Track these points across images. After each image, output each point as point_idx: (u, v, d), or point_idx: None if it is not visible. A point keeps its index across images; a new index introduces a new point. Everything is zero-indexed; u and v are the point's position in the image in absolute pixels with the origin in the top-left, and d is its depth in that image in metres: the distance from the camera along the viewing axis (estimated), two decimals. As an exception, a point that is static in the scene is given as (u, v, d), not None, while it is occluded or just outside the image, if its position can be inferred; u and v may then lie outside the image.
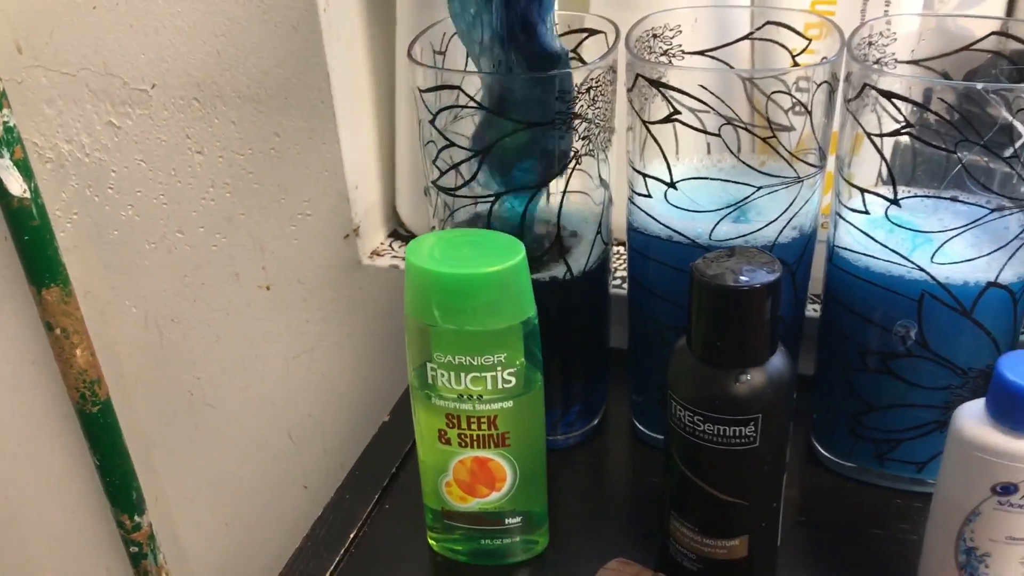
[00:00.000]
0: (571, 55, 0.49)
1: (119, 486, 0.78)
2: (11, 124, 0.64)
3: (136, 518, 0.79)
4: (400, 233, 0.66)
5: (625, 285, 0.57)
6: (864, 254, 0.44)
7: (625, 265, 0.59)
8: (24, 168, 0.65)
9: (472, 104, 0.43)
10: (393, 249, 0.65)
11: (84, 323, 0.72)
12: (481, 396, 0.41)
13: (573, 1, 0.59)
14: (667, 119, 0.43)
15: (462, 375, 0.40)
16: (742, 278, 0.36)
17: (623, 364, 0.53)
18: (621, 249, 0.60)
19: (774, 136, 0.42)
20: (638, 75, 0.43)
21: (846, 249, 0.45)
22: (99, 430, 0.75)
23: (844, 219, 0.45)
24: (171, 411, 0.77)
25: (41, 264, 0.68)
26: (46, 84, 0.64)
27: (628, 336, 0.52)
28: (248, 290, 0.68)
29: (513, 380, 0.41)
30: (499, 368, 0.40)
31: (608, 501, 0.51)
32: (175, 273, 0.69)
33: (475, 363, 0.40)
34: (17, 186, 0.65)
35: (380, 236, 0.65)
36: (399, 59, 0.60)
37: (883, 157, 0.42)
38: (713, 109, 0.42)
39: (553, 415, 0.51)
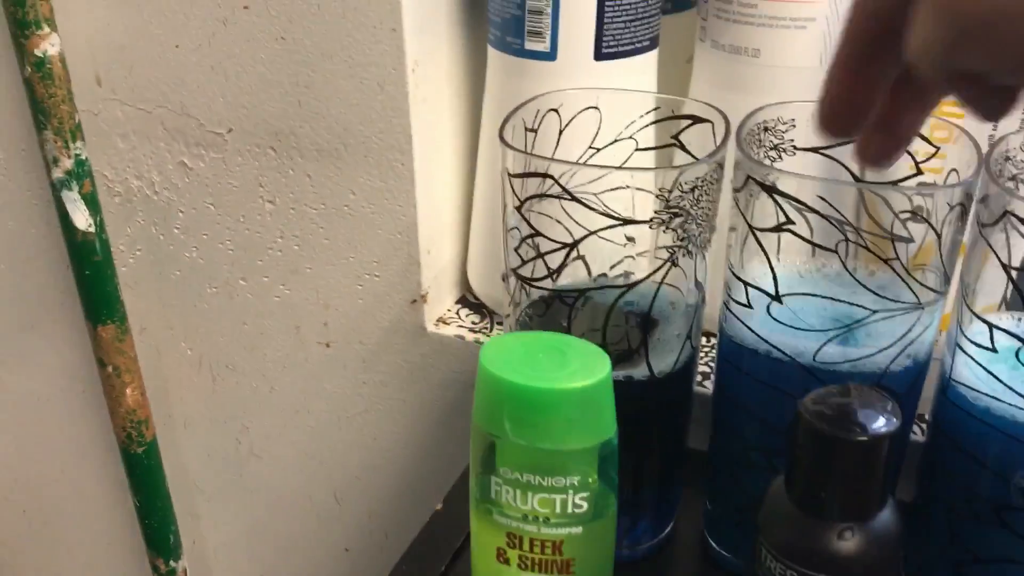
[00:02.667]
0: (673, 143, 0.46)
1: (157, 529, 0.76)
2: (83, 157, 0.62)
3: (171, 563, 0.77)
4: (468, 301, 0.63)
5: (707, 383, 0.54)
6: (986, 394, 0.39)
7: (708, 360, 0.56)
8: (92, 202, 0.63)
9: (565, 196, 0.40)
10: (460, 317, 0.61)
11: (137, 362, 0.70)
12: (548, 519, 0.37)
13: (671, 83, 0.56)
14: (778, 228, 0.39)
15: (529, 494, 0.37)
16: (857, 425, 0.32)
17: (699, 466, 0.49)
18: (707, 342, 0.56)
19: (897, 258, 0.38)
20: (749, 176, 0.39)
21: (964, 385, 0.40)
22: (142, 471, 0.73)
23: (964, 351, 0.40)
24: (217, 457, 0.74)
25: (99, 300, 0.66)
26: (121, 118, 0.62)
27: (709, 446, 0.48)
28: (307, 345, 0.65)
29: (585, 505, 0.37)
30: (570, 491, 0.36)
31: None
32: (234, 319, 0.67)
33: (545, 483, 0.36)
34: (83, 220, 0.63)
35: (448, 303, 0.62)
36: (484, 126, 0.57)
37: (1019, 290, 0.38)
38: (830, 220, 0.38)
39: (620, 525, 0.47)
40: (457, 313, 0.62)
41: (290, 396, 0.68)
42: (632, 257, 0.43)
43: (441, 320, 0.61)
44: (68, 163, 0.61)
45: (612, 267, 0.44)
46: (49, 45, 0.59)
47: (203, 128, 0.60)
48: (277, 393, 0.69)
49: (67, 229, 0.64)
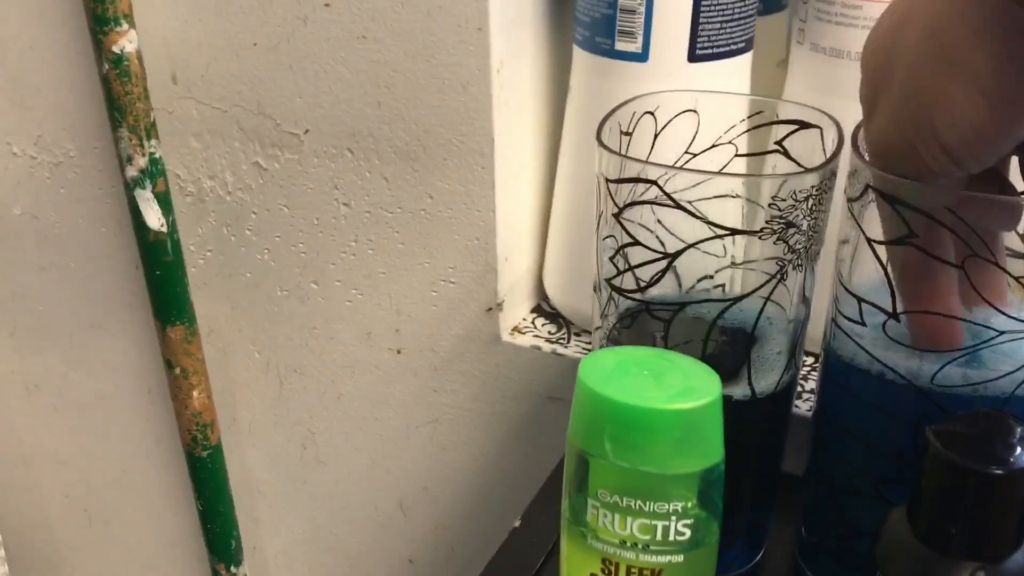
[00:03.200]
0: (776, 149, 0.43)
1: (219, 534, 0.75)
2: (157, 155, 0.61)
3: (232, 568, 0.76)
4: (544, 310, 0.61)
5: (800, 403, 0.51)
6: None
7: (801, 379, 0.53)
8: (164, 201, 0.62)
9: (667, 202, 0.37)
10: (536, 327, 0.60)
11: (205, 364, 0.69)
12: (647, 546, 0.35)
13: (761, 86, 0.54)
14: (899, 240, 0.36)
15: (628, 519, 0.35)
16: (994, 456, 0.30)
17: (790, 491, 0.47)
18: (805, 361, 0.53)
19: (1029, 276, 0.35)
20: (868, 185, 0.37)
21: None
22: (206, 474, 0.72)
23: (1098, 376, 0.37)
24: (281, 462, 0.73)
25: (169, 301, 0.65)
26: (196, 117, 0.61)
27: (806, 471, 0.45)
28: (378, 351, 0.64)
29: (687, 532, 0.35)
30: (673, 517, 0.34)
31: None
32: (304, 323, 0.66)
33: (645, 508, 0.34)
34: (155, 219, 0.62)
35: (523, 311, 0.60)
36: (567, 130, 0.55)
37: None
38: (956, 233, 0.35)
39: (711, 552, 0.44)
40: (533, 323, 0.60)
41: (358, 403, 0.67)
42: (729, 268, 0.41)
43: (516, 329, 0.59)
44: (142, 161, 0.61)
45: (700, 280, 0.42)
46: (127, 42, 0.58)
47: (279, 128, 0.59)
48: (345, 399, 0.67)
49: (139, 228, 0.63)
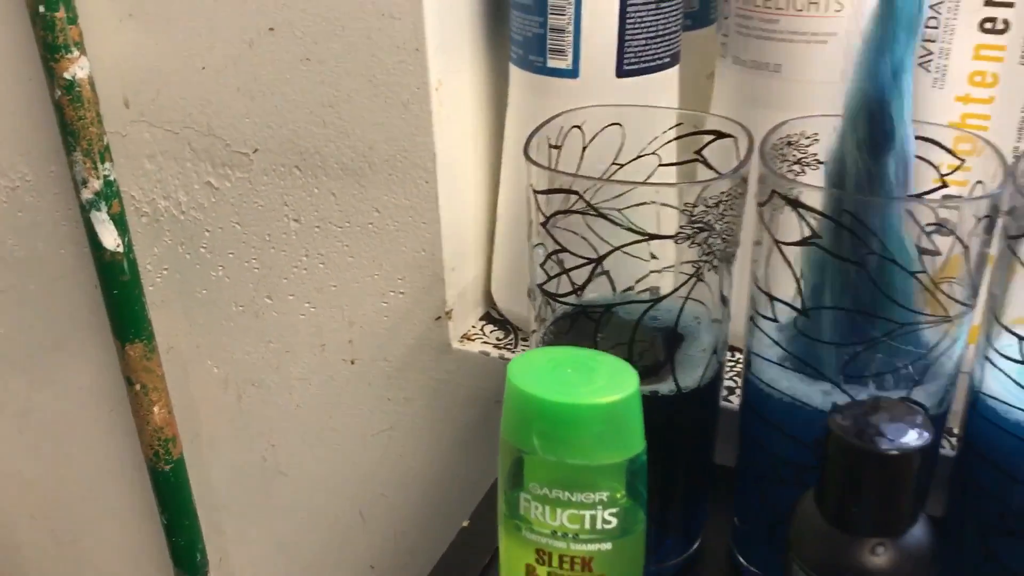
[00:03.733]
0: (696, 158, 0.46)
1: (184, 547, 0.76)
2: (112, 178, 0.63)
3: (198, 581, 0.77)
4: (493, 317, 0.63)
5: (732, 398, 0.53)
6: (1016, 407, 0.39)
7: (734, 375, 0.55)
8: (120, 223, 0.64)
9: (591, 211, 0.40)
10: (484, 334, 0.62)
11: (165, 380, 0.70)
12: (577, 535, 0.37)
13: (693, 99, 0.56)
14: (803, 242, 0.39)
15: (558, 510, 0.37)
16: (888, 439, 0.32)
17: (726, 482, 0.49)
18: (731, 357, 0.56)
19: (924, 271, 0.38)
20: (773, 191, 0.39)
21: (993, 398, 0.40)
22: (169, 489, 0.73)
23: (993, 363, 0.40)
24: (243, 475, 0.75)
25: (127, 319, 0.67)
26: (149, 139, 0.63)
27: (736, 462, 0.47)
28: (333, 363, 0.65)
29: (614, 520, 0.37)
30: (600, 507, 0.36)
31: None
32: (260, 338, 0.67)
33: (574, 499, 0.36)
34: (111, 240, 0.64)
35: (472, 319, 0.63)
36: (507, 143, 0.57)
37: (1048, 302, 0.37)
38: (855, 234, 0.38)
39: (648, 542, 0.46)
40: (482, 330, 0.62)
41: (316, 413, 0.69)
42: (657, 272, 0.43)
43: (466, 337, 0.61)
44: (97, 184, 0.62)
45: (637, 283, 0.44)
46: (78, 68, 0.60)
47: (229, 148, 0.61)
48: (303, 410, 0.69)
49: (96, 249, 0.64)
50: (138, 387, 0.69)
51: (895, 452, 0.32)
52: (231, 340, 0.69)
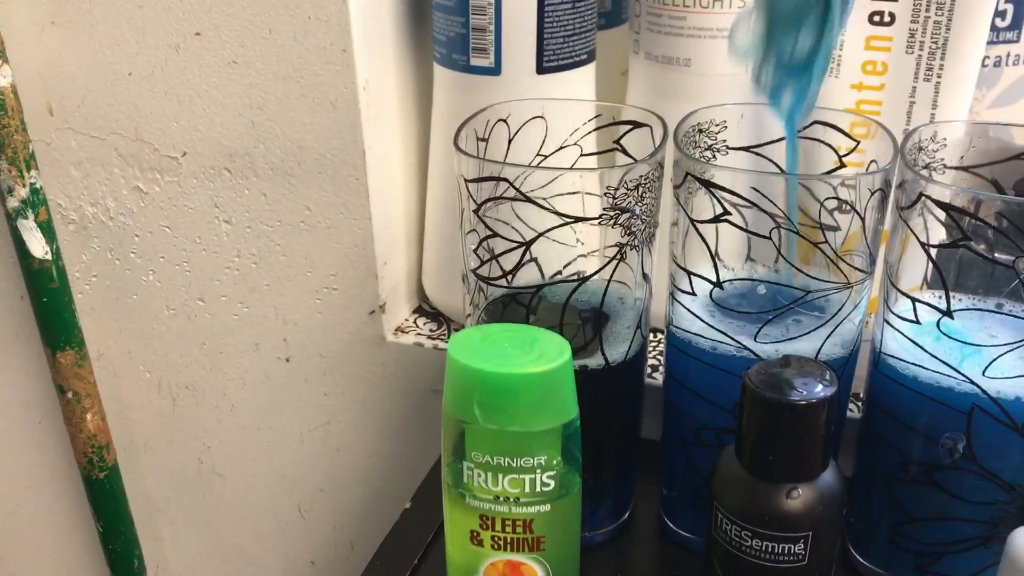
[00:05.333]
0: (615, 147, 0.49)
1: (121, 553, 0.76)
2: (38, 186, 0.63)
3: (136, 588, 0.77)
4: (425, 310, 0.65)
5: (657, 375, 0.56)
6: (912, 363, 0.43)
7: (658, 354, 0.59)
8: (47, 230, 0.64)
9: (520, 197, 0.42)
10: (417, 326, 0.64)
11: (97, 387, 0.70)
12: (518, 499, 0.39)
13: (608, 94, 0.59)
14: (716, 219, 0.42)
15: (499, 476, 0.39)
16: (798, 391, 0.35)
17: (652, 456, 0.52)
18: (654, 337, 0.59)
19: (826, 242, 0.41)
20: (687, 173, 0.42)
21: (892, 356, 0.44)
22: (104, 496, 0.73)
23: (892, 326, 0.44)
24: (179, 478, 0.75)
25: (57, 327, 0.67)
26: (75, 147, 0.63)
27: (662, 431, 0.50)
28: (267, 361, 0.67)
29: (552, 483, 0.39)
30: (538, 471, 0.39)
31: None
32: (193, 340, 0.68)
33: (514, 464, 0.39)
34: (39, 248, 0.64)
35: (405, 312, 0.65)
36: (434, 140, 0.59)
37: (937, 267, 0.41)
38: (763, 210, 0.41)
39: (583, 511, 0.49)
40: (415, 322, 0.64)
41: (251, 413, 0.70)
42: (583, 256, 0.46)
43: (399, 329, 0.63)
44: (23, 192, 0.62)
45: (564, 267, 0.47)
46: (1, 76, 0.60)
47: (157, 153, 0.62)
48: (238, 411, 0.70)
49: (23, 257, 0.64)
50: (70, 395, 0.69)
51: (804, 402, 0.35)
52: (163, 344, 0.69)
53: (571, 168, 0.43)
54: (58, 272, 0.65)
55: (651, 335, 0.58)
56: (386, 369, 0.64)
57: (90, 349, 0.70)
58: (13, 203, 0.63)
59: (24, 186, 0.62)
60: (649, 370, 0.56)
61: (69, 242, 0.67)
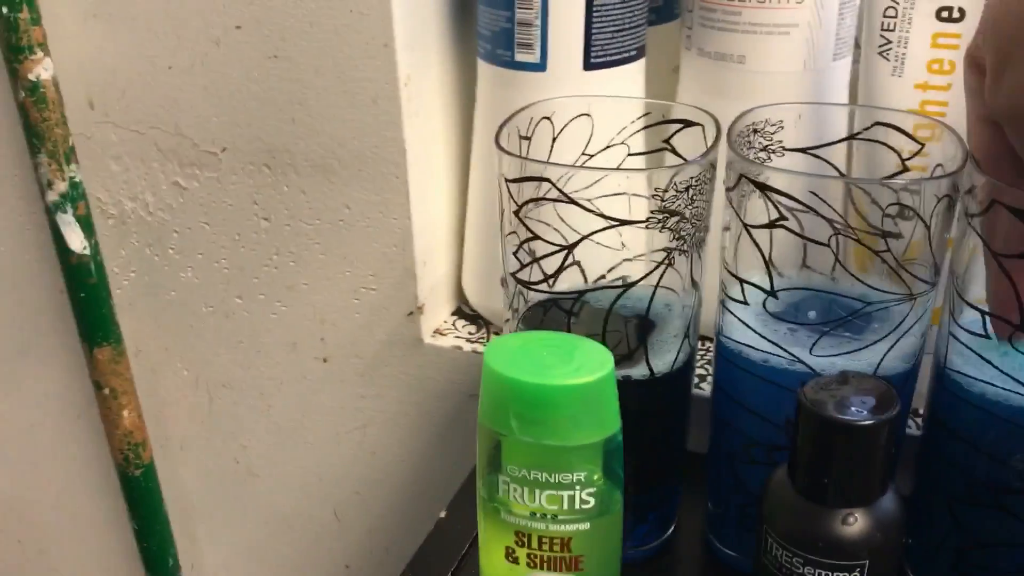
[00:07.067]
0: (665, 147, 0.47)
1: (156, 552, 0.75)
2: (77, 179, 0.63)
3: (171, 586, 0.77)
4: (464, 312, 0.64)
5: (704, 385, 0.54)
6: (979, 379, 0.40)
7: (706, 363, 0.56)
8: (86, 225, 0.64)
9: (562, 198, 0.40)
10: (456, 328, 0.62)
11: (134, 384, 0.70)
12: (556, 516, 0.37)
13: (658, 92, 0.57)
14: (772, 224, 0.40)
15: (536, 491, 0.37)
16: (857, 411, 0.33)
17: (700, 470, 0.50)
18: (702, 346, 0.57)
19: (888, 250, 0.39)
20: (741, 175, 0.40)
21: (958, 372, 0.41)
22: (140, 493, 0.73)
23: (958, 339, 0.41)
24: (215, 478, 0.74)
25: (95, 322, 0.66)
26: (115, 141, 0.63)
27: (709, 444, 0.48)
28: (304, 361, 0.65)
29: (592, 500, 0.37)
30: (577, 487, 0.37)
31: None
32: (231, 338, 0.67)
33: (552, 480, 0.37)
34: (78, 242, 0.64)
35: (444, 314, 0.63)
36: (476, 138, 0.57)
37: (1009, 277, 0.39)
38: (821, 215, 0.39)
39: (625, 526, 0.47)
40: (453, 324, 0.62)
41: (288, 413, 0.69)
42: (629, 260, 0.44)
43: (438, 332, 0.62)
44: (63, 186, 0.62)
45: (608, 272, 0.45)
46: (42, 70, 0.59)
47: (197, 148, 0.61)
48: (275, 411, 0.69)
49: (62, 252, 0.64)
50: (107, 391, 0.68)
51: (863, 423, 0.33)
52: (201, 342, 0.68)
53: (617, 168, 0.41)
54: (96, 267, 0.65)
55: (700, 344, 0.56)
56: (424, 372, 0.62)
57: (128, 345, 0.69)
58: (52, 197, 0.62)
59: (64, 180, 0.62)
60: (697, 380, 0.54)
61: (108, 237, 0.66)
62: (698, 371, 0.55)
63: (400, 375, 0.63)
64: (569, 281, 0.44)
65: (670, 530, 0.50)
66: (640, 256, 0.44)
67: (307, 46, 0.54)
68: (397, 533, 0.70)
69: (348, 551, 0.73)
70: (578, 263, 0.44)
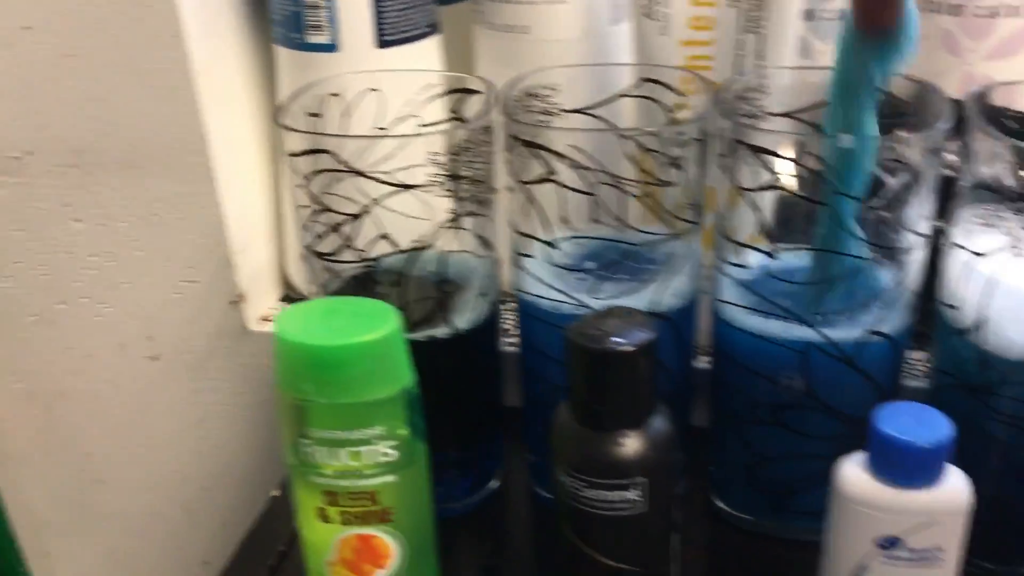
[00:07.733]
0: (453, 116, 0.49)
1: (7, 574, 0.74)
2: None
3: (25, 605, 0.75)
4: (292, 297, 0.65)
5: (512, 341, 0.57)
6: (747, 308, 0.44)
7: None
8: None
9: (346, 169, 0.42)
10: (285, 313, 0.63)
11: (-38, 402, 0.68)
12: (360, 471, 0.39)
13: (462, 63, 0.59)
14: (542, 179, 0.42)
15: (339, 450, 0.39)
16: (616, 339, 0.36)
17: (517, 424, 0.52)
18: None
19: (652, 195, 0.42)
20: (511, 135, 0.42)
21: (728, 303, 0.45)
22: (-18, 514, 0.71)
23: (725, 274, 0.45)
24: (61, 490, 0.73)
25: (-88, 342, 0.64)
26: (-87, 154, 0.61)
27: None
28: (135, 361, 0.65)
29: (394, 453, 0.39)
30: (378, 441, 0.39)
31: (510, 570, 0.49)
32: (59, 346, 0.66)
33: (352, 437, 0.38)
34: None
35: (270, 301, 0.64)
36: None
37: (760, 211, 0.42)
38: (589, 168, 0.42)
39: (447, 482, 0.49)
40: (280, 310, 0.63)
41: (126, 415, 0.68)
42: (432, 228, 0.46)
43: (265, 318, 0.62)
44: None
45: (414, 242, 0.46)
46: None
47: (1, 155, 0.59)
48: (113, 414, 0.68)
49: None
50: (-67, 412, 0.67)
51: (620, 350, 0.36)
52: (29, 352, 0.67)
53: (384, 135, 0.42)
54: (-93, 285, 0.63)
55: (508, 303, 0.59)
56: (255, 360, 0.63)
57: (-48, 363, 0.68)
58: None
59: None
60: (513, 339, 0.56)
61: (-83, 254, 0.64)
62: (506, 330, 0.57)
63: (231, 366, 0.63)
64: (381, 251, 0.46)
65: (494, 482, 0.53)
66: (435, 222, 0.46)
67: (99, 42, 0.54)
68: (250, 524, 0.71)
69: (204, 547, 0.73)
70: (387, 236, 0.46)
